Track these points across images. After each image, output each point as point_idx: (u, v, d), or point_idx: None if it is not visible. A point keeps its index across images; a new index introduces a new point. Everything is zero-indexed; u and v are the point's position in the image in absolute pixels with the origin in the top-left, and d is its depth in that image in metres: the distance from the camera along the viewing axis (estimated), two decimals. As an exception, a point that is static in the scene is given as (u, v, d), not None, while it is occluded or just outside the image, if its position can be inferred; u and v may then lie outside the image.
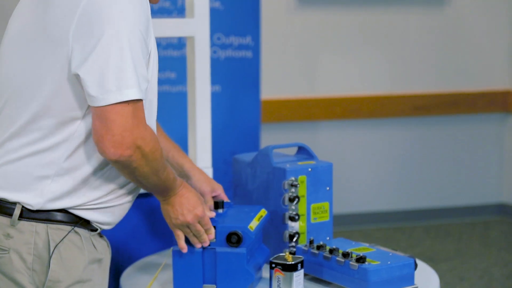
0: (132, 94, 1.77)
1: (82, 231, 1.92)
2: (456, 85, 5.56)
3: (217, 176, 2.85)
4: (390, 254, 2.18)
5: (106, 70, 1.76)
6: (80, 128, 1.84)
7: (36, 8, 1.87)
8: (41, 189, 1.86)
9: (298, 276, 2.07)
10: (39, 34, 1.84)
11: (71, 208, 1.88)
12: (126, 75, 1.77)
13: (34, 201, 1.86)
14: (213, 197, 2.31)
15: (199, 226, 2.05)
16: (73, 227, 1.90)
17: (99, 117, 1.78)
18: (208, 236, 2.08)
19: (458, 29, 5.51)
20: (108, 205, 1.92)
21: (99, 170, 1.88)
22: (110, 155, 1.78)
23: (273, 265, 2.07)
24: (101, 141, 1.78)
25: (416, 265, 2.16)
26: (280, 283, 2.06)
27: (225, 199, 2.30)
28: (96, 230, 1.96)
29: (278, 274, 2.06)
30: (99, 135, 1.78)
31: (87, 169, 1.87)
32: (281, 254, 2.13)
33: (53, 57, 1.82)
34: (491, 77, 5.62)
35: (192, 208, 2.03)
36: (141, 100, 1.80)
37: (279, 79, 5.26)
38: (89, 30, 1.77)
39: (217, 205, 2.20)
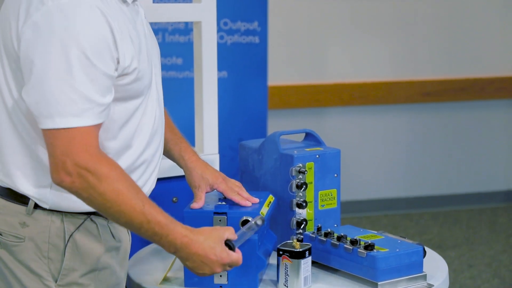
0: (65, 122, 1.71)
1: (98, 219, 1.91)
2: (465, 71, 5.53)
3: (224, 163, 2.84)
4: (399, 241, 2.17)
5: (42, 96, 1.71)
6: None
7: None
8: None
9: (306, 263, 2.06)
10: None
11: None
12: (60, 103, 1.70)
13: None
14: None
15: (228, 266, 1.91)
16: (88, 215, 1.89)
17: (44, 139, 1.75)
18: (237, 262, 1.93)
19: (466, 15, 5.48)
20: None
21: None
22: (53, 179, 1.74)
23: (281, 252, 2.06)
24: (49, 164, 1.75)
25: (424, 253, 2.14)
26: (287, 270, 2.05)
27: (229, 192, 2.19)
28: None
29: (286, 261, 2.05)
30: (48, 157, 1.75)
31: None
32: (288, 241, 2.11)
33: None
34: (500, 63, 5.59)
35: (215, 256, 1.85)
36: (88, 126, 1.73)
37: (286, 65, 5.24)
38: (32, 48, 1.72)
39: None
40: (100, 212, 1.79)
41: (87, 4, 1.73)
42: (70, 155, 1.71)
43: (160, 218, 1.79)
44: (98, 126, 1.76)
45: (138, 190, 1.79)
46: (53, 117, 1.70)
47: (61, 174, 1.72)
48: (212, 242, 1.85)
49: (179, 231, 1.82)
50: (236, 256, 1.88)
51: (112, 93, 1.78)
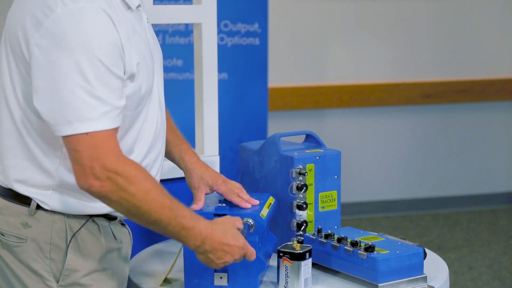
0: (85, 127, 1.71)
1: (100, 220, 1.91)
2: (465, 73, 5.53)
3: (224, 164, 2.83)
4: (399, 243, 2.16)
5: (58, 103, 1.70)
6: None
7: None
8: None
9: (306, 265, 2.06)
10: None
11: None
12: (78, 108, 1.70)
13: None
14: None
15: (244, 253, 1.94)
16: (90, 216, 1.89)
17: (66, 146, 1.74)
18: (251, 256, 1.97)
19: (467, 16, 5.48)
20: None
21: None
22: (80, 185, 1.74)
23: (281, 254, 2.06)
24: (74, 171, 1.74)
25: (425, 254, 2.14)
26: (288, 272, 2.05)
27: (229, 194, 2.18)
28: (115, 219, 1.95)
29: (286, 263, 2.05)
30: (72, 164, 1.74)
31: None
32: (289, 243, 2.11)
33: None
34: (501, 65, 5.59)
35: (236, 242, 1.89)
36: (108, 129, 1.73)
37: (287, 66, 5.24)
38: (44, 56, 1.72)
39: None
40: (128, 214, 1.79)
41: (95, 9, 1.73)
42: (98, 160, 1.71)
43: (186, 213, 1.83)
44: (116, 130, 1.77)
45: (162, 187, 1.81)
46: (72, 123, 1.70)
47: (89, 180, 1.72)
48: (230, 230, 1.91)
49: (203, 223, 1.86)
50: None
51: (124, 96, 1.79)
